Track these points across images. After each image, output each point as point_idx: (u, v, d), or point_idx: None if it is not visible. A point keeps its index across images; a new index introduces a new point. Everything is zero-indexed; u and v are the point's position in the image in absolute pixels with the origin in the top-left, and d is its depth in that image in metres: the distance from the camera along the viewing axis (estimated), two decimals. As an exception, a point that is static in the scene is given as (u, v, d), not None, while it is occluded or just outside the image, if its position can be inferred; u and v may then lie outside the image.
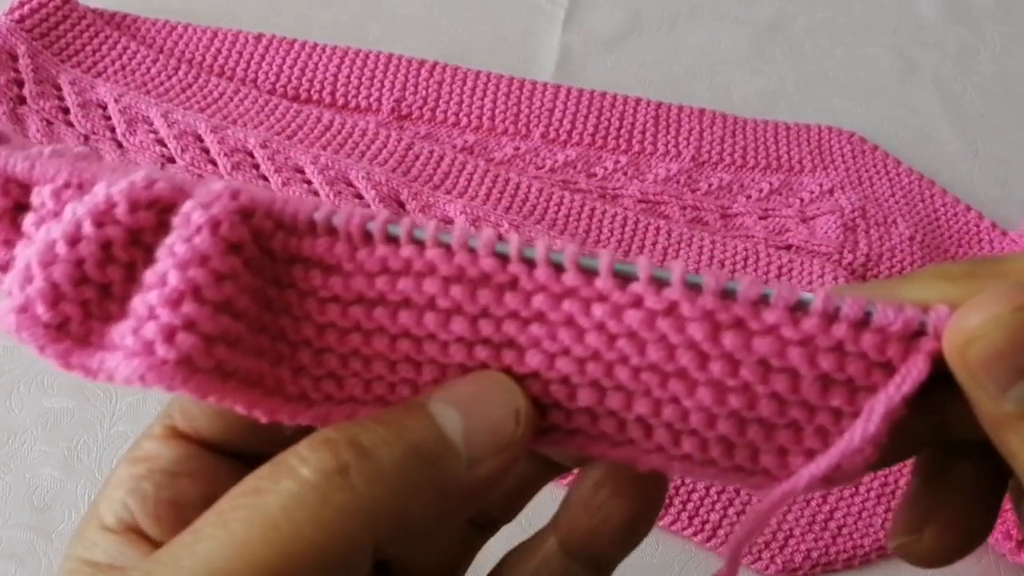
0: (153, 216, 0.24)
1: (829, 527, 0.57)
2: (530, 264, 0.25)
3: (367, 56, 0.77)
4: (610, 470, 0.28)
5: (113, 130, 0.70)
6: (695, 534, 0.56)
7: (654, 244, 0.68)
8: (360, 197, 0.67)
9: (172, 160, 0.69)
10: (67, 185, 0.25)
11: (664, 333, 0.24)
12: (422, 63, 0.77)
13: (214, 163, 0.69)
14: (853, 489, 0.58)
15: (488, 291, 0.25)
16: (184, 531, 0.22)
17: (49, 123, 0.70)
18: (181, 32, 0.77)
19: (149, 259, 0.24)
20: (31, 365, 0.60)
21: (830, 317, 0.23)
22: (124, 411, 0.58)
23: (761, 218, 0.72)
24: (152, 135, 0.70)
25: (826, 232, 0.70)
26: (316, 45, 0.78)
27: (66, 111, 0.71)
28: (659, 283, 0.24)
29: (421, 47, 0.79)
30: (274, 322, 0.25)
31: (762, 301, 0.23)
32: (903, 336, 0.23)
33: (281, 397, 0.25)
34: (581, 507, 0.28)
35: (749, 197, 0.73)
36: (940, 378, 0.23)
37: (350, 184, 0.68)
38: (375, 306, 0.25)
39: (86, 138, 0.69)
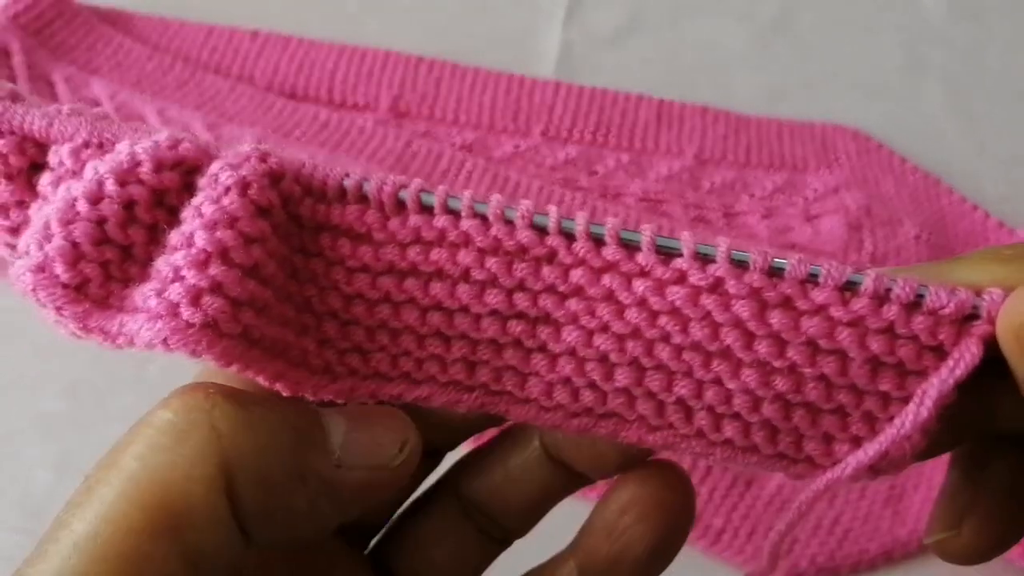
0: (178, 177, 0.24)
1: (835, 532, 0.56)
2: (569, 237, 0.24)
3: (365, 53, 0.77)
4: (638, 493, 0.27)
5: (107, 128, 0.69)
6: (699, 539, 0.55)
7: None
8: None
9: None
10: (87, 144, 0.24)
11: (709, 311, 0.23)
12: (420, 60, 0.77)
13: (210, 161, 0.68)
14: (859, 493, 0.57)
15: (525, 264, 0.24)
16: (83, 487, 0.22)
17: (43, 121, 0.69)
18: (176, 29, 0.77)
19: (173, 221, 0.23)
20: (25, 368, 0.59)
21: (881, 298, 0.22)
22: (117, 414, 0.58)
23: (765, 217, 0.71)
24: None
25: (831, 231, 0.70)
26: (313, 42, 0.77)
27: (60, 109, 0.70)
28: (704, 259, 0.23)
29: (419, 44, 0.78)
30: (300, 291, 0.25)
31: (810, 280, 0.23)
32: (956, 319, 0.22)
33: (306, 369, 0.25)
34: (604, 532, 0.27)
35: (752, 196, 0.72)
36: (989, 364, 0.22)
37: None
38: (406, 277, 0.25)
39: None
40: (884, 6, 0.88)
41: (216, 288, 0.22)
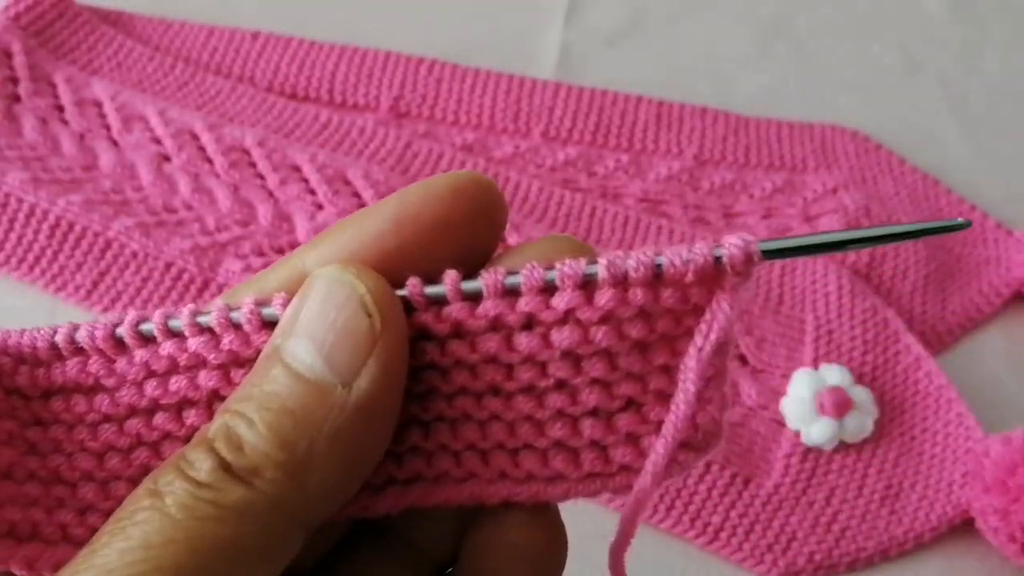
0: None
1: (832, 530, 0.56)
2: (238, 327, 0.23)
3: (365, 54, 0.77)
4: (517, 537, 0.24)
5: (109, 128, 0.69)
6: (697, 536, 0.55)
7: (655, 243, 0.68)
8: (358, 196, 0.67)
9: (168, 158, 0.68)
10: None
11: (459, 357, 0.22)
12: (420, 61, 0.77)
13: (210, 161, 0.68)
14: (856, 492, 0.57)
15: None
16: (82, 550, 0.21)
17: (44, 121, 0.69)
18: (177, 29, 0.77)
19: None
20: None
21: (623, 284, 0.21)
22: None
23: (764, 217, 0.71)
24: (148, 133, 0.69)
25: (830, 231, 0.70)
26: (313, 43, 0.77)
27: (61, 109, 0.70)
28: (438, 301, 0.22)
29: (420, 44, 0.78)
30: (43, 465, 0.23)
31: (549, 288, 0.21)
32: (702, 280, 0.21)
33: (70, 544, 0.23)
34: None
35: (752, 196, 0.73)
36: None
37: (348, 183, 0.67)
38: (154, 413, 0.23)
39: (81, 136, 0.69)
40: (883, 7, 0.88)
41: None
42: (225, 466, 0.20)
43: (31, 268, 0.63)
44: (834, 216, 0.71)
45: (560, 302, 0.21)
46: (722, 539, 0.55)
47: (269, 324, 0.22)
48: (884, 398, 0.60)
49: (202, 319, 0.22)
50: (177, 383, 0.23)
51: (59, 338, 0.23)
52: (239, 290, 0.24)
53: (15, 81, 0.70)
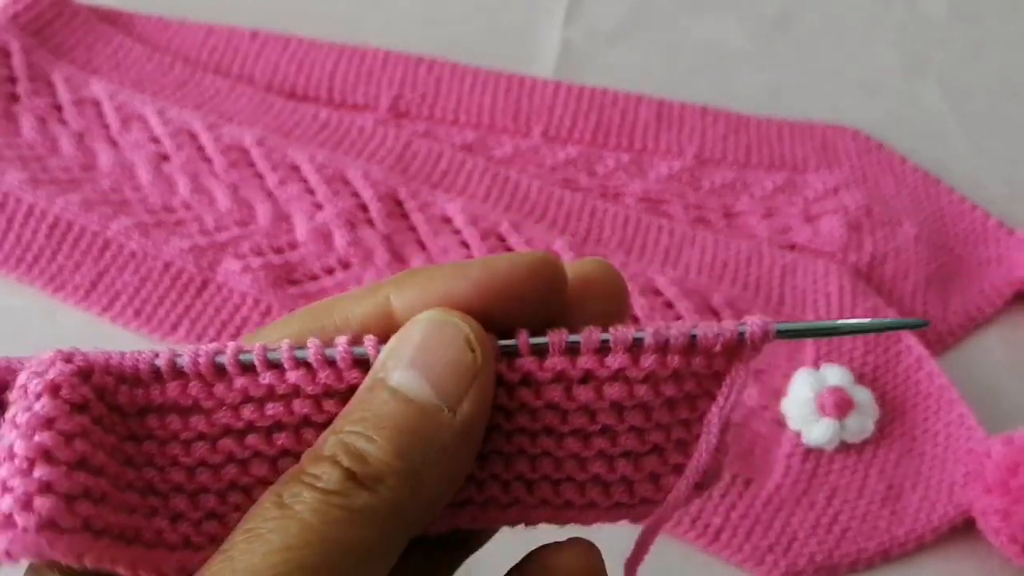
0: None
1: (833, 530, 0.56)
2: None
3: (364, 53, 0.76)
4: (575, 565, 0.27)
5: (107, 128, 0.69)
6: (698, 537, 0.55)
7: (656, 243, 0.67)
8: (357, 195, 0.67)
9: (167, 158, 0.68)
10: None
11: (524, 401, 0.26)
12: (420, 60, 0.77)
13: (209, 161, 0.68)
14: (857, 492, 0.57)
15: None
16: (214, 556, 0.23)
17: (43, 121, 0.69)
18: (176, 29, 0.77)
19: None
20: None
21: (664, 349, 0.26)
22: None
23: (764, 217, 0.71)
24: (146, 133, 0.69)
25: (830, 231, 0.69)
26: (313, 42, 0.77)
27: (60, 108, 0.70)
28: (509, 353, 0.26)
29: (419, 43, 0.78)
30: (139, 476, 0.25)
31: (603, 347, 0.26)
32: (724, 352, 0.26)
33: (164, 548, 0.25)
34: None
35: (752, 196, 0.72)
36: None
37: (347, 182, 0.67)
38: (246, 434, 0.26)
39: (80, 135, 0.69)
40: (884, 6, 0.88)
41: (45, 488, 0.22)
42: (351, 475, 0.23)
43: (29, 268, 0.63)
44: (835, 216, 0.70)
45: (613, 362, 0.26)
46: (723, 540, 0.55)
47: (359, 362, 0.25)
48: (885, 398, 0.60)
49: (299, 354, 0.25)
50: (273, 409, 0.25)
51: (160, 362, 0.25)
52: (322, 309, 0.27)
53: (13, 80, 0.70)
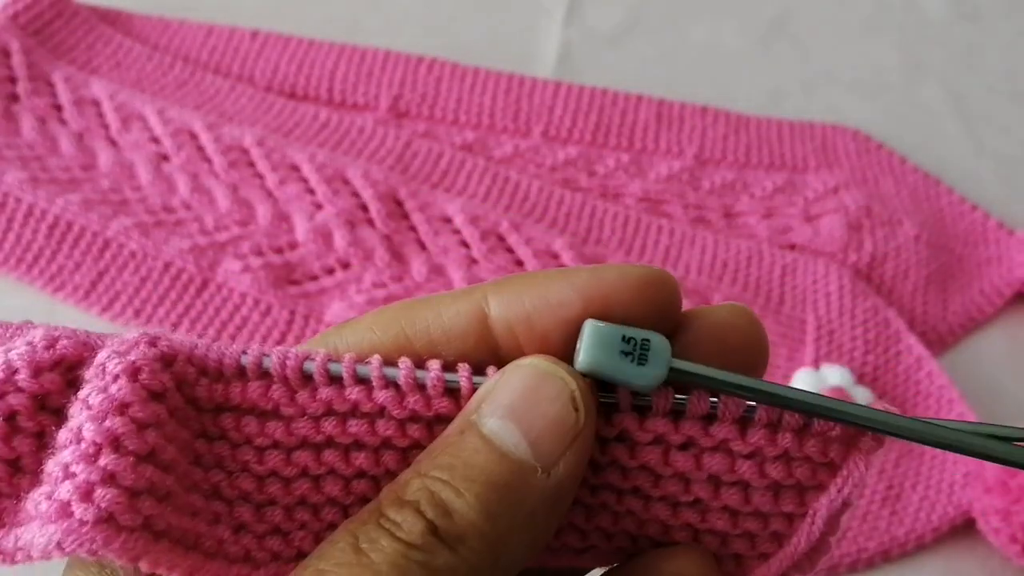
0: (59, 377, 0.22)
1: (834, 531, 0.56)
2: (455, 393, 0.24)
3: (364, 53, 0.76)
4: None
5: (107, 128, 0.69)
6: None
7: (656, 243, 0.67)
8: (357, 195, 0.66)
9: (167, 158, 0.68)
10: None
11: (615, 458, 0.24)
12: (420, 60, 0.76)
13: (209, 161, 0.68)
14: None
15: (443, 427, 0.24)
16: None
17: (43, 121, 0.69)
18: (176, 29, 0.77)
19: (60, 422, 0.22)
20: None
21: (775, 425, 0.23)
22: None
23: (764, 217, 0.71)
24: (146, 133, 0.69)
25: (830, 231, 0.69)
26: (313, 42, 0.77)
27: (59, 108, 0.70)
28: (609, 404, 0.24)
29: (419, 43, 0.78)
30: (206, 478, 0.23)
31: (711, 414, 0.24)
32: (843, 438, 0.23)
33: (223, 559, 0.23)
34: None
35: (752, 196, 0.72)
36: None
37: (347, 182, 0.67)
38: (324, 449, 0.24)
39: (80, 135, 0.69)
40: (883, 6, 0.88)
41: (109, 479, 0.21)
42: (433, 530, 0.21)
43: (29, 268, 0.63)
44: (835, 216, 0.70)
45: (718, 432, 0.24)
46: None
47: (449, 391, 0.24)
48: (885, 398, 0.60)
49: (389, 371, 0.24)
50: (356, 427, 0.24)
51: (247, 359, 0.24)
52: (416, 312, 0.25)
53: (13, 80, 0.70)
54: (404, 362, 0.24)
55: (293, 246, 0.65)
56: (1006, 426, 0.23)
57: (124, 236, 0.63)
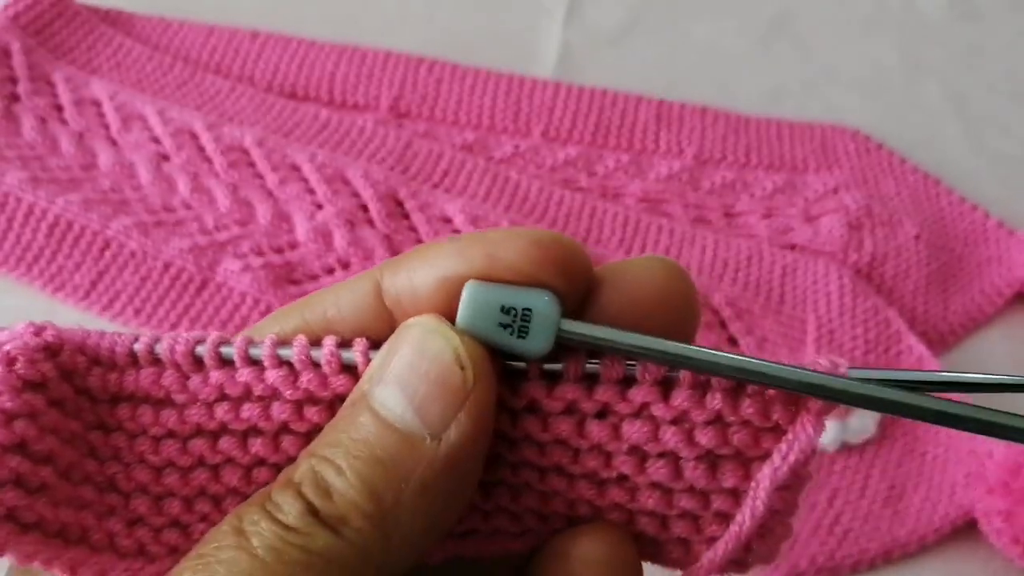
0: None
1: (835, 531, 0.56)
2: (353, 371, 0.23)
3: (365, 53, 0.76)
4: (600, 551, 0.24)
5: (108, 128, 0.69)
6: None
7: (656, 243, 0.67)
8: (357, 196, 0.66)
9: (167, 158, 0.68)
10: None
11: (528, 432, 0.22)
12: (420, 60, 0.76)
13: (209, 161, 0.68)
14: (859, 493, 0.57)
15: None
16: None
17: (43, 121, 0.69)
18: (177, 29, 0.77)
19: None
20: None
21: (703, 386, 0.21)
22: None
23: (764, 217, 0.71)
24: (147, 132, 0.69)
25: (830, 231, 0.69)
26: (313, 42, 0.77)
27: (60, 108, 0.70)
28: (516, 374, 0.22)
29: (419, 44, 0.78)
30: (101, 470, 0.23)
31: (627, 378, 0.21)
32: (785, 398, 0.21)
33: (113, 553, 0.22)
34: None
35: (752, 196, 0.72)
36: None
37: (347, 182, 0.67)
38: (219, 436, 0.23)
39: (80, 135, 0.69)
40: (883, 6, 0.88)
41: None
42: (313, 511, 0.20)
43: (29, 267, 0.63)
44: (835, 216, 0.70)
45: (636, 396, 0.21)
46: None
47: (347, 368, 0.22)
48: (886, 398, 0.60)
49: (283, 352, 0.22)
50: (249, 411, 0.23)
51: (139, 346, 0.23)
52: (315, 300, 0.24)
53: (14, 80, 0.70)
54: (298, 339, 0.22)
55: (293, 246, 0.65)
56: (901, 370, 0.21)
57: (124, 236, 0.63)
